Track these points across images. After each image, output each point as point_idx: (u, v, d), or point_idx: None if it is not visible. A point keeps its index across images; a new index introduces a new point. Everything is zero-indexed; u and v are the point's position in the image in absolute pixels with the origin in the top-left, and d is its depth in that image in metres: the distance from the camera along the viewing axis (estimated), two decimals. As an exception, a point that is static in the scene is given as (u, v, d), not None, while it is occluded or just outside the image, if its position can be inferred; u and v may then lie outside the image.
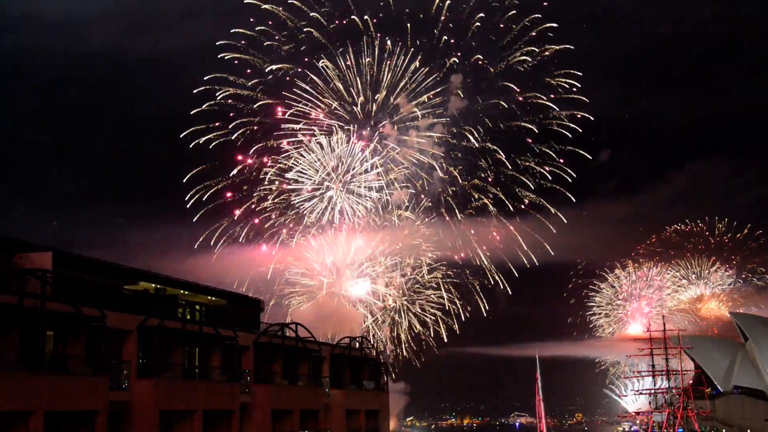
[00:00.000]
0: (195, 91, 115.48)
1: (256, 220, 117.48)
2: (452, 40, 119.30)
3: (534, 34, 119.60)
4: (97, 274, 44.76)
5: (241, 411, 48.52)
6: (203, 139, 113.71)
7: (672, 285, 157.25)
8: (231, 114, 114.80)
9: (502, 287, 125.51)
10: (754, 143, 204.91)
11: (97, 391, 36.61)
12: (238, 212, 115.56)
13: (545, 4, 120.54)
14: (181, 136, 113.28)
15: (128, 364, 40.63)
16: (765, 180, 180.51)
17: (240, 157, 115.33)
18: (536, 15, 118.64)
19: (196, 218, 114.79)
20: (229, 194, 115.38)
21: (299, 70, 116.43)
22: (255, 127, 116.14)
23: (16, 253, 40.19)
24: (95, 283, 42.84)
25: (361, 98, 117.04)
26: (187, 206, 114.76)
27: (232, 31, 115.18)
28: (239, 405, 47.98)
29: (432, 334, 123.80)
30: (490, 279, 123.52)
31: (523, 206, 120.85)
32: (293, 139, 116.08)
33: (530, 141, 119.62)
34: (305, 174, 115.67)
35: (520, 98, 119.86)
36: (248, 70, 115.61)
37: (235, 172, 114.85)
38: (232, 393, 47.31)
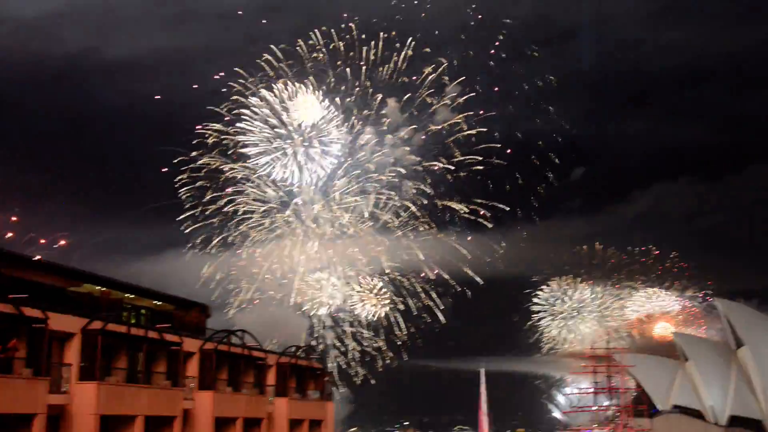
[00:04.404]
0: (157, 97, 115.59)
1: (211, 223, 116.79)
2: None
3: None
4: (40, 274, 44.02)
5: (184, 418, 47.97)
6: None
7: (620, 304, 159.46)
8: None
9: (450, 300, 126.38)
10: (722, 168, 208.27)
11: (36, 393, 35.97)
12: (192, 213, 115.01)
13: (507, 20, 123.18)
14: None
15: (69, 367, 39.99)
16: (724, 207, 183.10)
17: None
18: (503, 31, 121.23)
19: (146, 219, 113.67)
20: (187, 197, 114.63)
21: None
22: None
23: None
24: (38, 284, 42.08)
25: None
26: (139, 211, 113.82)
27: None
28: (182, 411, 47.45)
29: (382, 344, 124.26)
30: (437, 293, 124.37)
31: (479, 220, 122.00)
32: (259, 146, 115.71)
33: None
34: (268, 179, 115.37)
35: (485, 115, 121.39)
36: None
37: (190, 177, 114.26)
38: (174, 399, 46.73)
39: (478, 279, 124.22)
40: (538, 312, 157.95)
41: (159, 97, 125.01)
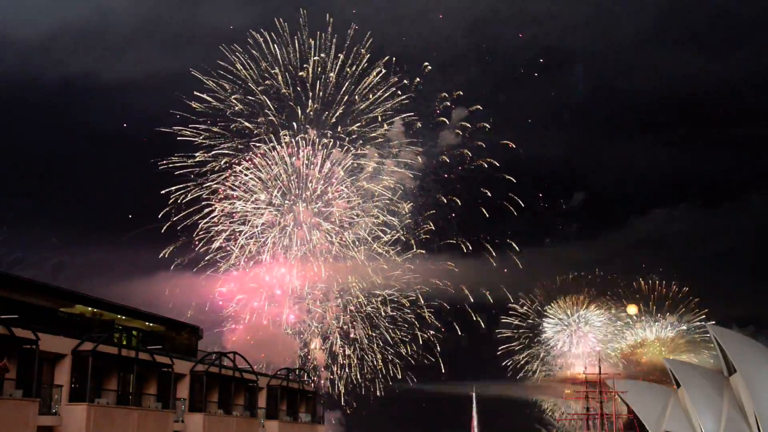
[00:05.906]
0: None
1: (202, 245, 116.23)
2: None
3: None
4: (32, 295, 43.99)
5: (174, 440, 47.85)
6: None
7: (613, 330, 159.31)
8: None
9: (443, 325, 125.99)
10: (721, 195, 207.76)
11: (27, 414, 35.87)
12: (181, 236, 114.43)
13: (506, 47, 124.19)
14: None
15: (60, 388, 39.91)
16: (723, 233, 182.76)
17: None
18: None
19: (133, 237, 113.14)
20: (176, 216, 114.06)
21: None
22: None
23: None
24: (30, 305, 42.05)
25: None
26: (128, 234, 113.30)
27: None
28: (172, 434, 47.35)
29: (379, 369, 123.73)
30: (430, 316, 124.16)
31: (478, 246, 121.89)
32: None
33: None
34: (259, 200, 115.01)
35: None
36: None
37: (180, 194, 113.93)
38: (165, 421, 46.62)
39: (471, 312, 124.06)
40: (531, 336, 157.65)
41: (126, 125, 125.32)
